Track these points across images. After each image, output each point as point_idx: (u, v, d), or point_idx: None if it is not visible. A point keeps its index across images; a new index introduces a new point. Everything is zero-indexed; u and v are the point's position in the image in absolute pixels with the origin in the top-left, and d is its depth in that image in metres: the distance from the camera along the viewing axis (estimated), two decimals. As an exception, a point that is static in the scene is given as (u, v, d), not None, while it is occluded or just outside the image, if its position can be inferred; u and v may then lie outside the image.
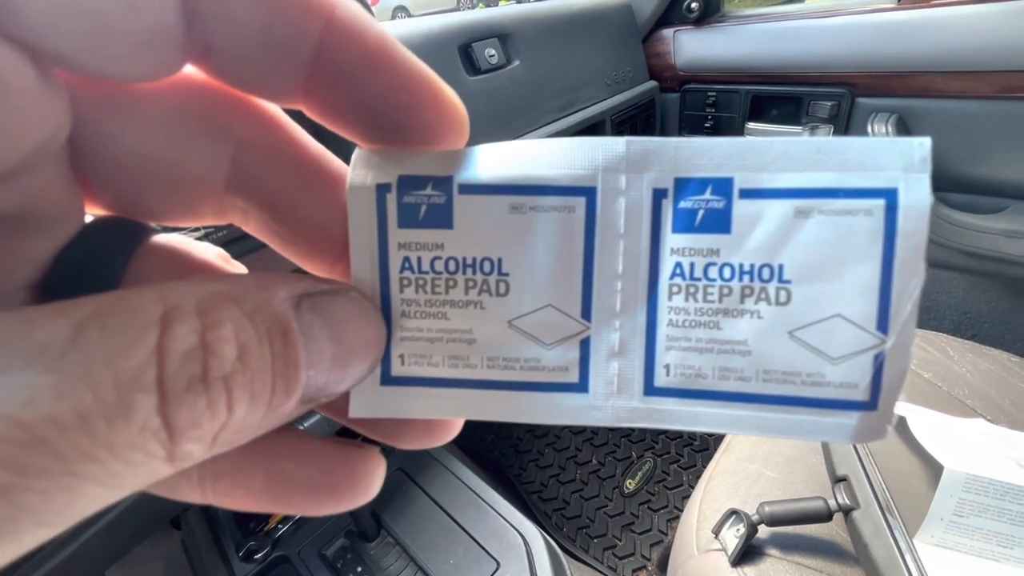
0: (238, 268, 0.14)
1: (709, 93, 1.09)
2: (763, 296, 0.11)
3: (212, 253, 0.14)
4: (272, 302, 0.10)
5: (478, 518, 0.67)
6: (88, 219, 0.12)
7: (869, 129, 0.90)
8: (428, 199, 0.12)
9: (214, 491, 0.12)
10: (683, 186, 0.12)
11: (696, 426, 0.12)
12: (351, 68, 0.11)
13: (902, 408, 0.62)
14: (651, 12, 1.09)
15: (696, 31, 1.08)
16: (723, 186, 0.11)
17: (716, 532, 0.55)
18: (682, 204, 0.12)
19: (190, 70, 0.11)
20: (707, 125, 1.12)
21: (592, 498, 1.09)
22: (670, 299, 0.12)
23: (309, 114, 0.12)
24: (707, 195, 0.12)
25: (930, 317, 1.03)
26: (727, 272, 0.12)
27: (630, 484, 1.11)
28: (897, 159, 0.11)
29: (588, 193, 0.12)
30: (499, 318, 0.12)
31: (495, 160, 0.12)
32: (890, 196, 0.11)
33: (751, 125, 1.06)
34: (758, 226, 0.11)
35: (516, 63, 0.85)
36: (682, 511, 0.63)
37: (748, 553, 0.53)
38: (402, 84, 0.11)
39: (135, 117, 0.11)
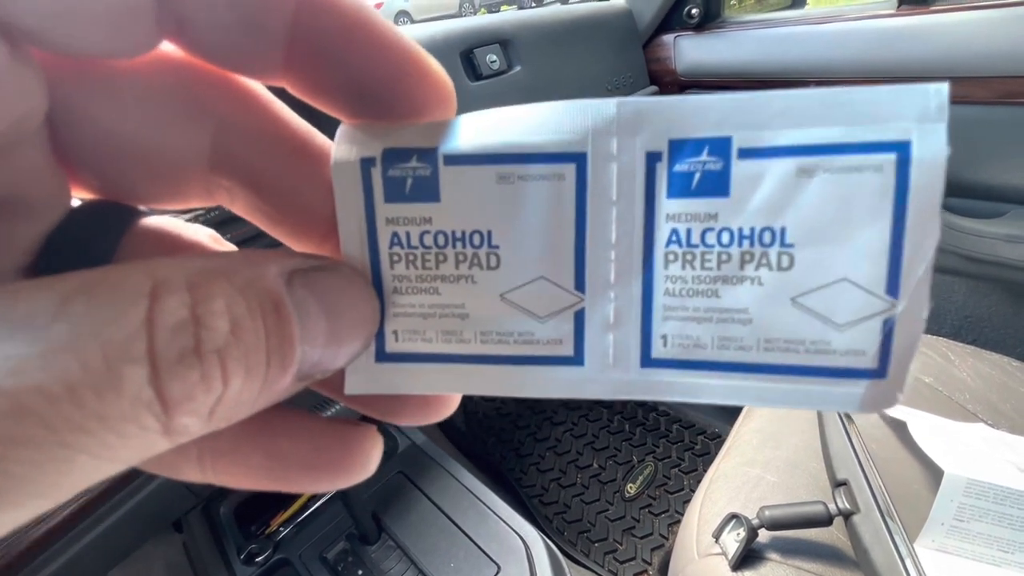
0: (229, 248, 0.14)
1: (710, 98, 1.09)
2: (764, 261, 0.11)
3: (203, 234, 0.14)
4: (264, 277, 0.10)
5: (479, 521, 0.67)
6: (76, 203, 0.12)
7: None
8: (413, 172, 0.12)
9: (214, 470, 0.12)
10: (678, 148, 0.11)
11: (695, 397, 0.12)
12: (329, 42, 0.11)
13: (902, 412, 0.62)
14: (652, 18, 1.10)
15: (697, 36, 1.09)
16: (721, 146, 0.11)
17: (716, 536, 0.55)
18: (677, 167, 0.11)
19: (168, 48, 0.11)
20: (708, 130, 1.12)
21: (593, 502, 1.09)
22: (666, 267, 0.11)
23: (291, 91, 0.12)
24: (704, 156, 0.11)
25: (931, 321, 1.03)
26: (726, 237, 0.11)
27: (631, 488, 1.11)
28: (910, 108, 0.10)
29: (578, 159, 0.11)
30: (491, 292, 0.12)
31: (480, 128, 0.12)
32: (902, 149, 0.10)
33: (751, 130, 1.06)
34: (758, 187, 0.11)
35: (517, 69, 0.85)
36: (683, 515, 0.63)
37: (748, 557, 0.53)
38: (383, 56, 0.11)
39: (113, 96, 0.11)
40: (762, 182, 0.11)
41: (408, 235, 0.12)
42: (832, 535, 0.54)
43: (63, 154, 0.11)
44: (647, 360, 0.12)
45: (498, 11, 0.98)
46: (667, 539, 1.00)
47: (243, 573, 0.66)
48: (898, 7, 0.89)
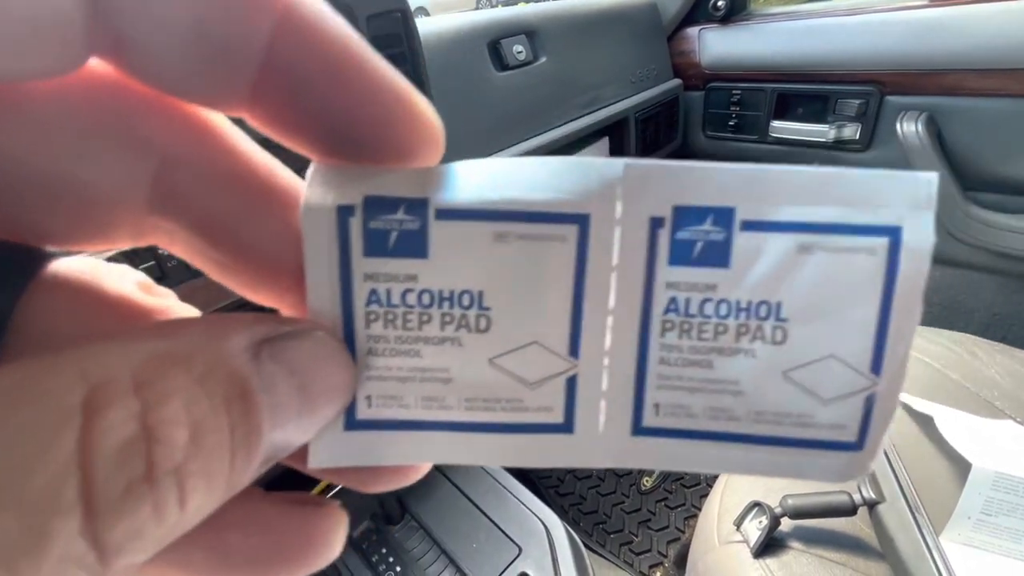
0: (162, 297, 0.12)
1: (734, 91, 1.09)
2: (759, 334, 0.11)
3: (129, 281, 0.11)
4: (227, 357, 0.08)
5: (500, 505, 0.68)
6: None
7: (898, 128, 0.89)
8: (399, 224, 0.11)
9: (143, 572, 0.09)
10: (682, 215, 0.11)
11: (684, 467, 0.12)
12: (309, 75, 0.09)
13: (929, 407, 0.61)
14: (677, 10, 1.10)
15: (722, 29, 1.08)
16: (724, 216, 0.11)
17: (738, 524, 0.56)
18: (680, 235, 0.11)
19: (97, 64, 0.09)
20: (731, 123, 1.11)
21: (609, 494, 1.10)
22: (663, 336, 0.11)
23: (253, 124, 0.10)
24: (707, 226, 0.11)
25: (959, 318, 1.02)
26: (723, 309, 0.11)
27: (647, 481, 1.11)
28: (902, 195, 0.10)
29: (581, 221, 0.11)
30: (479, 356, 0.11)
31: (477, 181, 0.11)
32: (893, 234, 0.10)
33: (776, 123, 1.05)
34: (758, 261, 0.11)
35: (543, 60, 0.86)
36: (699, 509, 0.64)
37: (770, 545, 0.53)
38: (370, 96, 0.10)
39: (20, 122, 0.09)
40: (762, 255, 0.11)
41: (389, 293, 0.11)
42: (855, 525, 0.54)
43: None
44: (638, 428, 0.12)
45: (515, 4, 0.99)
46: (683, 532, 1.01)
47: (271, 549, 0.68)
48: (931, -2, 0.87)
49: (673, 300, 0.11)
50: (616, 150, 1.04)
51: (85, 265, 0.11)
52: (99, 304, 0.11)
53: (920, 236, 0.10)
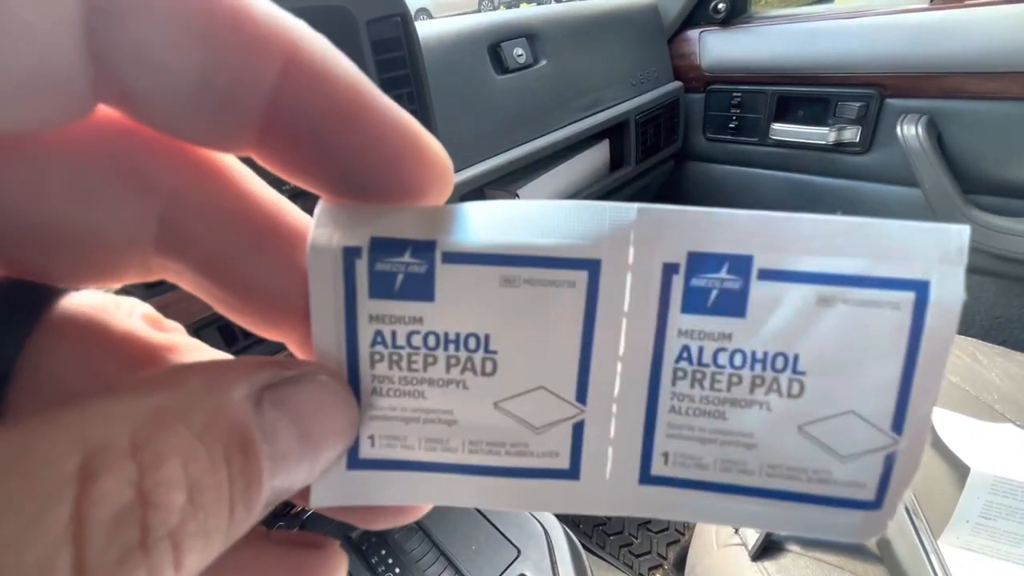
0: (171, 331, 0.12)
1: (734, 94, 1.09)
2: (774, 387, 0.11)
3: (136, 317, 0.11)
4: (228, 408, 0.08)
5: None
6: None
7: (898, 131, 0.89)
8: (406, 267, 0.11)
9: None
10: (697, 262, 0.11)
11: (694, 518, 0.12)
12: (316, 118, 0.09)
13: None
14: (677, 13, 1.10)
15: (722, 32, 1.09)
16: (741, 265, 0.10)
17: (736, 527, 0.56)
18: (694, 282, 0.11)
19: (104, 108, 0.09)
20: (732, 126, 1.12)
21: (609, 496, 1.10)
22: (674, 384, 0.11)
23: (261, 163, 0.10)
24: (723, 274, 0.11)
25: (959, 321, 1.01)
26: (738, 359, 0.11)
27: (647, 483, 1.11)
28: (932, 247, 0.10)
29: (591, 266, 0.11)
30: (484, 399, 0.11)
31: (485, 223, 0.11)
32: (921, 289, 0.10)
33: (776, 126, 1.05)
34: (776, 312, 0.10)
35: (543, 63, 0.86)
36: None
37: (768, 548, 0.53)
38: (379, 138, 0.10)
39: (29, 169, 0.09)
40: (780, 306, 0.10)
41: (394, 334, 0.11)
42: (854, 529, 0.54)
43: None
44: (646, 477, 0.12)
45: (517, 7, 0.99)
46: (683, 534, 1.01)
47: (271, 549, 0.68)
48: (931, 1, 0.87)
49: (686, 348, 0.11)
50: (616, 152, 1.04)
51: (93, 301, 0.11)
52: (106, 343, 0.11)
53: (950, 292, 0.10)
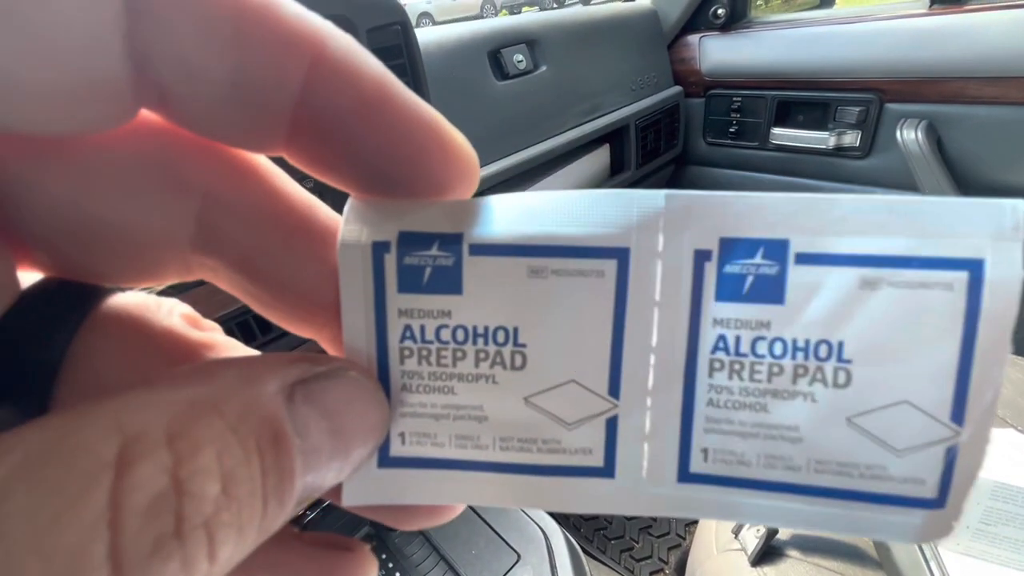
0: (209, 331, 0.12)
1: (734, 98, 1.09)
2: (819, 376, 0.10)
3: (176, 316, 0.12)
4: (261, 401, 0.08)
5: (499, 512, 0.69)
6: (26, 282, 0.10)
7: (898, 135, 0.89)
8: (433, 260, 0.11)
9: None
10: (730, 248, 0.10)
11: (737, 518, 0.11)
12: (343, 115, 0.09)
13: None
14: (677, 18, 1.10)
15: (722, 37, 1.09)
16: (777, 249, 0.10)
17: (736, 532, 0.56)
18: (728, 268, 0.10)
19: (144, 114, 0.10)
20: (732, 131, 1.12)
21: (610, 500, 1.10)
22: (711, 376, 0.11)
23: (292, 162, 0.10)
24: (758, 259, 0.10)
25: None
26: (778, 348, 0.10)
27: (648, 487, 1.11)
28: (984, 224, 0.09)
29: (620, 255, 0.10)
30: (514, 394, 0.11)
31: (512, 215, 0.11)
32: (975, 268, 0.09)
33: (776, 131, 1.06)
34: (816, 297, 0.10)
35: (543, 68, 0.87)
36: (701, 512, 0.64)
37: (768, 553, 0.53)
38: (405, 133, 0.10)
39: (75, 171, 0.10)
40: (820, 291, 0.10)
41: (423, 329, 0.11)
42: (854, 534, 0.54)
43: (9, 233, 0.10)
44: (684, 475, 0.11)
45: (519, 12, 1.00)
46: (684, 539, 1.00)
47: (272, 553, 0.68)
48: (930, 6, 0.88)
49: (722, 338, 0.10)
50: (617, 157, 1.05)
51: (136, 300, 0.11)
52: (147, 341, 0.11)
53: (1007, 271, 0.09)
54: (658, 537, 1.02)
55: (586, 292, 0.11)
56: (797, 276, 0.10)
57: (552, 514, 1.01)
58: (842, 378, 0.10)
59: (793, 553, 0.53)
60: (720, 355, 0.11)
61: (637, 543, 1.01)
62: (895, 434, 0.10)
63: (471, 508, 0.70)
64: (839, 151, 0.99)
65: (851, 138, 0.97)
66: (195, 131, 0.10)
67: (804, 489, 0.11)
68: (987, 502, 0.51)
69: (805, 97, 1.01)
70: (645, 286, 0.11)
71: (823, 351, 0.10)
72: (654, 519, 1.05)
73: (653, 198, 0.10)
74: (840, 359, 0.10)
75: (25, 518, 0.06)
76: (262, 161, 0.11)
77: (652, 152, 1.10)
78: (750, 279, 0.10)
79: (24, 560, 0.06)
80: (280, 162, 0.11)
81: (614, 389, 0.11)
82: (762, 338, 0.10)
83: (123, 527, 0.06)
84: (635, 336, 0.11)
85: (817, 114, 1.01)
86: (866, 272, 0.10)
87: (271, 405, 0.09)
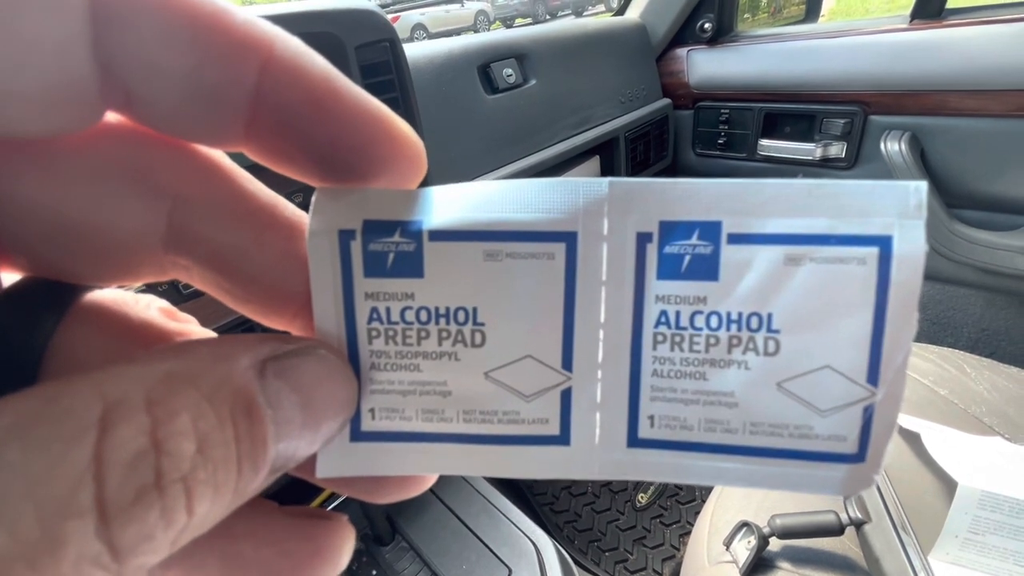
0: (184, 323, 0.13)
1: (722, 111, 1.11)
2: (751, 346, 0.11)
3: (153, 309, 0.12)
4: (233, 375, 0.09)
5: (490, 525, 0.68)
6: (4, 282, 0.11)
7: (882, 146, 0.91)
8: (396, 247, 0.11)
9: None
10: (669, 230, 0.11)
11: (681, 478, 0.12)
12: (295, 110, 0.10)
13: (917, 424, 0.62)
14: (665, 32, 1.12)
15: (709, 50, 1.11)
16: (711, 230, 0.11)
17: (727, 544, 0.56)
18: (668, 249, 0.11)
19: (113, 118, 0.10)
20: (720, 142, 1.13)
21: (604, 511, 1.09)
22: (655, 348, 0.12)
23: (252, 157, 0.11)
24: (694, 240, 0.11)
25: (947, 334, 1.02)
26: (714, 321, 0.11)
27: (642, 498, 1.10)
28: (892, 204, 0.10)
29: (568, 238, 0.11)
30: (475, 369, 0.12)
31: (469, 203, 0.12)
32: (884, 244, 0.10)
33: (764, 142, 1.07)
34: (747, 273, 0.11)
35: (533, 82, 0.88)
36: (694, 525, 0.64)
37: (759, 566, 0.53)
38: (352, 124, 0.11)
39: (49, 175, 0.10)
40: (751, 268, 0.11)
41: (388, 311, 0.12)
42: (843, 545, 0.54)
43: None
44: (634, 440, 0.12)
45: (513, 25, 1.01)
46: (678, 550, 1.00)
47: (260, 571, 0.67)
48: (911, 21, 0.90)
49: (663, 313, 0.11)
50: (607, 169, 1.06)
51: (111, 297, 0.12)
52: (125, 332, 0.12)
53: (912, 245, 0.10)
54: (652, 548, 1.01)
55: (538, 273, 0.11)
56: (729, 255, 0.11)
57: (547, 527, 1.00)
58: (772, 347, 0.11)
59: (784, 565, 0.53)
60: (662, 329, 0.11)
61: (631, 555, 1.01)
62: (819, 396, 0.11)
63: (462, 523, 0.69)
64: (825, 162, 1.00)
65: (837, 149, 0.99)
66: (160, 129, 0.10)
67: (741, 449, 0.12)
68: (975, 511, 0.51)
69: (791, 109, 1.03)
70: (592, 267, 0.11)
71: (754, 323, 0.11)
72: (648, 530, 1.04)
73: (598, 185, 0.11)
74: (770, 330, 0.11)
75: (19, 471, 0.07)
76: (227, 162, 0.12)
77: (642, 163, 1.11)
78: (687, 258, 0.11)
79: (20, 506, 0.07)
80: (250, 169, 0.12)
81: (567, 363, 0.12)
82: (699, 312, 0.11)
83: (106, 478, 0.07)
84: (585, 313, 0.12)
85: (803, 126, 1.03)
86: (790, 250, 0.11)
87: (243, 378, 0.09)
